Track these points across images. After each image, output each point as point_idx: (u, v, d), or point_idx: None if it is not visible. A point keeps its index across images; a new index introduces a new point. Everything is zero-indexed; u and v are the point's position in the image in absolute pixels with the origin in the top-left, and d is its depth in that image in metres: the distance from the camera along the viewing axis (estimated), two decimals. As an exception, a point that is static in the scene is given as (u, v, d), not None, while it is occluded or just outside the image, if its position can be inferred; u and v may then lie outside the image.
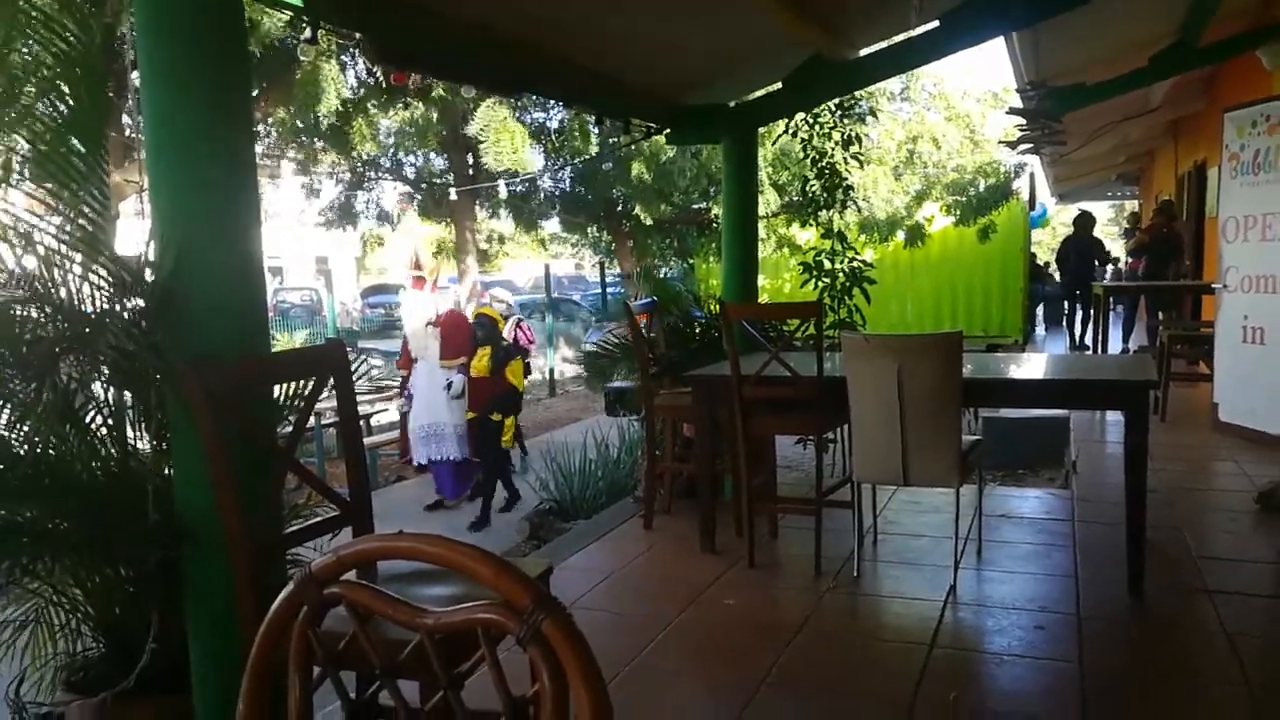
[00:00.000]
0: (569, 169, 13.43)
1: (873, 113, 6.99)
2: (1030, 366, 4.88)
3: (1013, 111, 7.10)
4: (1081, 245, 11.66)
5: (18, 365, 2.28)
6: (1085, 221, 11.93)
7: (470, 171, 13.43)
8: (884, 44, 5.52)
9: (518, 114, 11.87)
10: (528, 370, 8.00)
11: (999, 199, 12.64)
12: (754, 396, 4.10)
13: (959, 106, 13.48)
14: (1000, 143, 10.37)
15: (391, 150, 12.98)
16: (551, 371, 14.43)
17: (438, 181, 13.90)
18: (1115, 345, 10.46)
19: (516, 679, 1.04)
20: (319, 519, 2.42)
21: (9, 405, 2.32)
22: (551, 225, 16.97)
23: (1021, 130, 6.85)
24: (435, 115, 11.22)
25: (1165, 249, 10.19)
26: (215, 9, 2.29)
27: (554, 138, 13.20)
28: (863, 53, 5.47)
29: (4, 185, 2.52)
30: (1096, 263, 12.03)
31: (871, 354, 3.69)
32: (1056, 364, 5.11)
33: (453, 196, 13.00)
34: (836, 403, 3.85)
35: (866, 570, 4.07)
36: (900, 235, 12.75)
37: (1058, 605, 3.62)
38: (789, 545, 4.47)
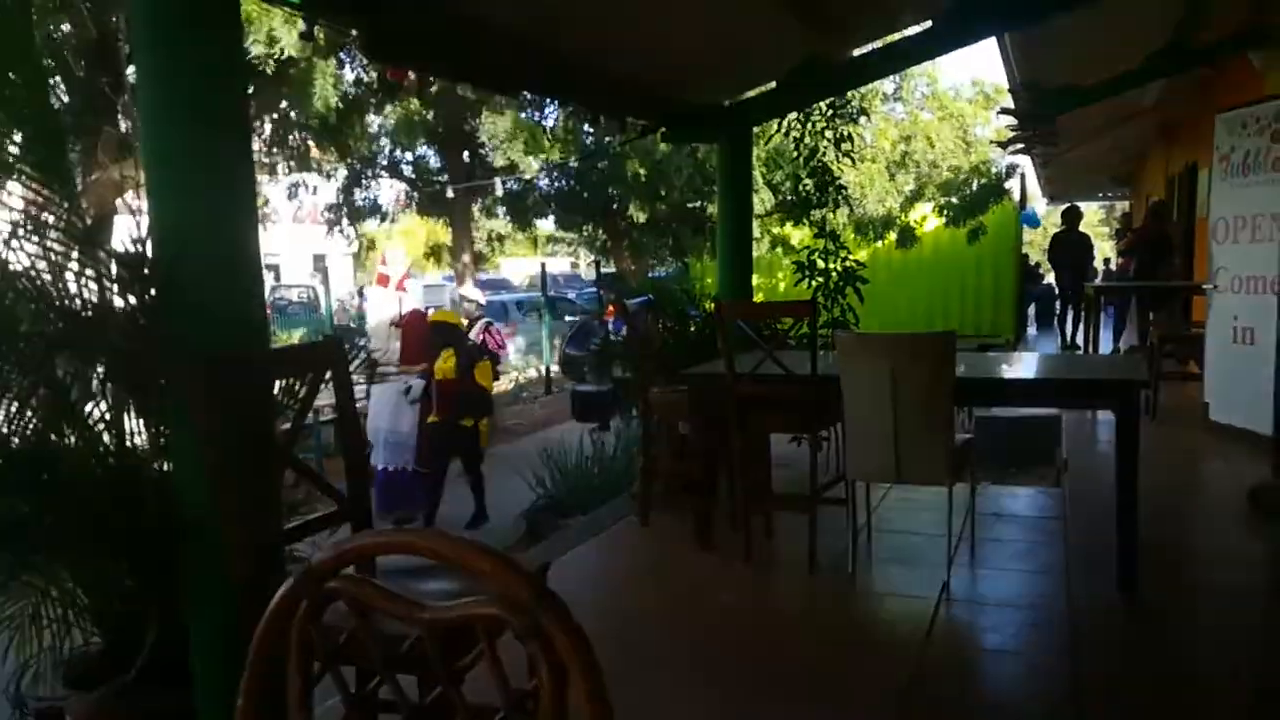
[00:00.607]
0: (564, 168, 13.44)
1: (864, 112, 7.02)
2: (1022, 366, 4.91)
3: (1004, 112, 7.13)
4: (1073, 242, 11.66)
5: (14, 360, 2.29)
6: (1074, 216, 11.91)
7: (468, 170, 13.44)
8: (878, 43, 5.55)
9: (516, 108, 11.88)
10: (496, 376, 7.68)
11: (990, 199, 12.68)
12: (749, 394, 4.12)
13: (952, 106, 13.52)
14: (992, 143, 10.40)
15: (389, 148, 12.98)
16: (548, 369, 14.42)
17: (435, 179, 13.90)
18: (1106, 345, 10.49)
19: (513, 673, 1.06)
20: (317, 515, 2.44)
21: (6, 400, 2.33)
22: (547, 224, 16.97)
23: (1013, 131, 6.88)
24: (431, 112, 11.23)
25: (1156, 249, 10.23)
26: (211, 7, 2.30)
27: (550, 136, 13.22)
28: (856, 52, 5.50)
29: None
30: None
31: (865, 353, 3.71)
32: (1048, 363, 5.14)
33: (450, 194, 13.01)
34: (831, 401, 3.87)
35: (861, 567, 4.10)
36: (892, 235, 12.79)
37: (1050, 602, 3.64)
38: (784, 542, 4.50)
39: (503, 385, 14.20)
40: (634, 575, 4.26)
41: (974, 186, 12.61)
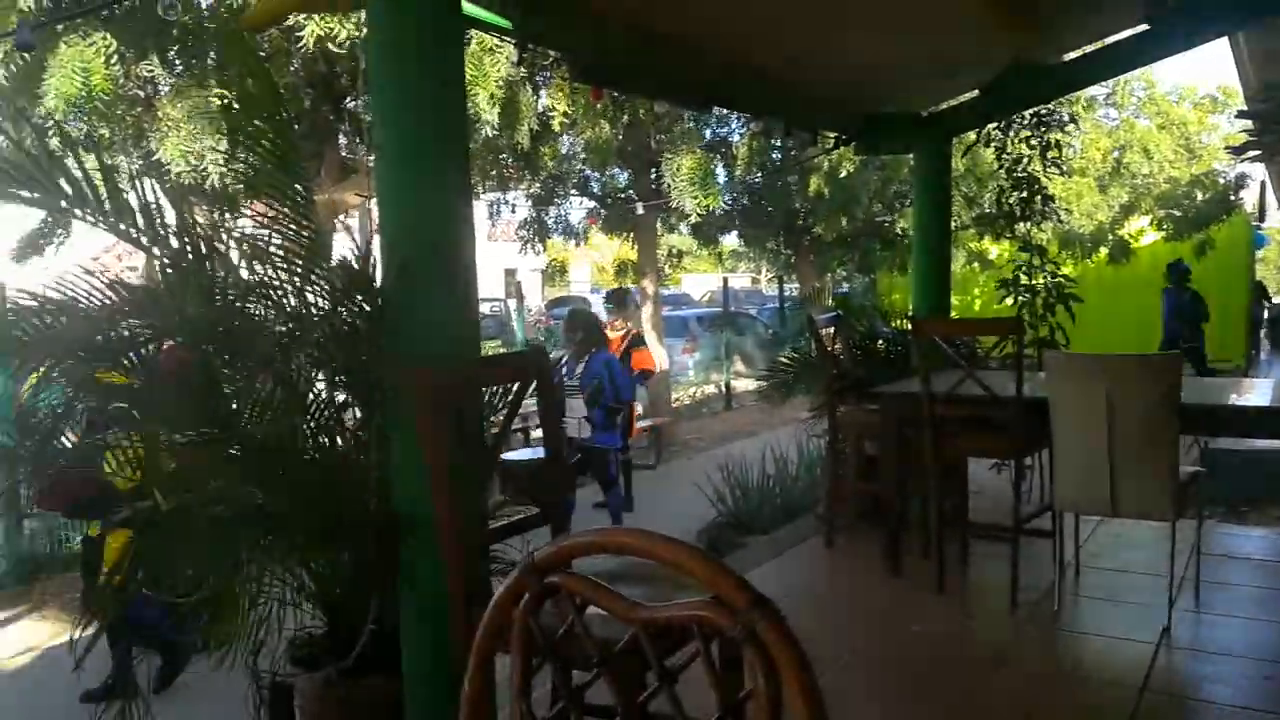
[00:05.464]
0: (750, 183, 13.40)
1: (1073, 119, 6.49)
2: (1255, 393, 4.45)
3: (1242, 115, 6.51)
4: None
5: (256, 360, 2.52)
6: None
7: (654, 186, 13.63)
8: (1091, 47, 5.22)
9: (698, 127, 11.98)
10: None
11: (1219, 212, 11.56)
12: (946, 415, 3.95)
13: (1173, 112, 12.47)
14: (1225, 149, 9.50)
15: (580, 168, 13.36)
16: (728, 385, 14.45)
17: (622, 197, 14.21)
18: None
19: (703, 689, 1.04)
20: (520, 517, 2.54)
21: (251, 400, 2.57)
22: (730, 239, 16.96)
23: (1250, 135, 6.27)
24: (621, 134, 11.47)
25: None
26: (440, 40, 2.47)
27: (735, 152, 13.20)
28: (1067, 57, 5.19)
29: (244, 202, 2.81)
30: None
31: (1078, 375, 3.48)
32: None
33: (639, 211, 13.24)
34: (1037, 425, 3.65)
35: (1067, 604, 3.83)
36: (1104, 250, 11.91)
37: (1291, 657, 3.27)
38: (980, 573, 4.27)
39: (683, 400, 14.35)
40: (819, 598, 4.17)
41: (1198, 198, 11.53)
